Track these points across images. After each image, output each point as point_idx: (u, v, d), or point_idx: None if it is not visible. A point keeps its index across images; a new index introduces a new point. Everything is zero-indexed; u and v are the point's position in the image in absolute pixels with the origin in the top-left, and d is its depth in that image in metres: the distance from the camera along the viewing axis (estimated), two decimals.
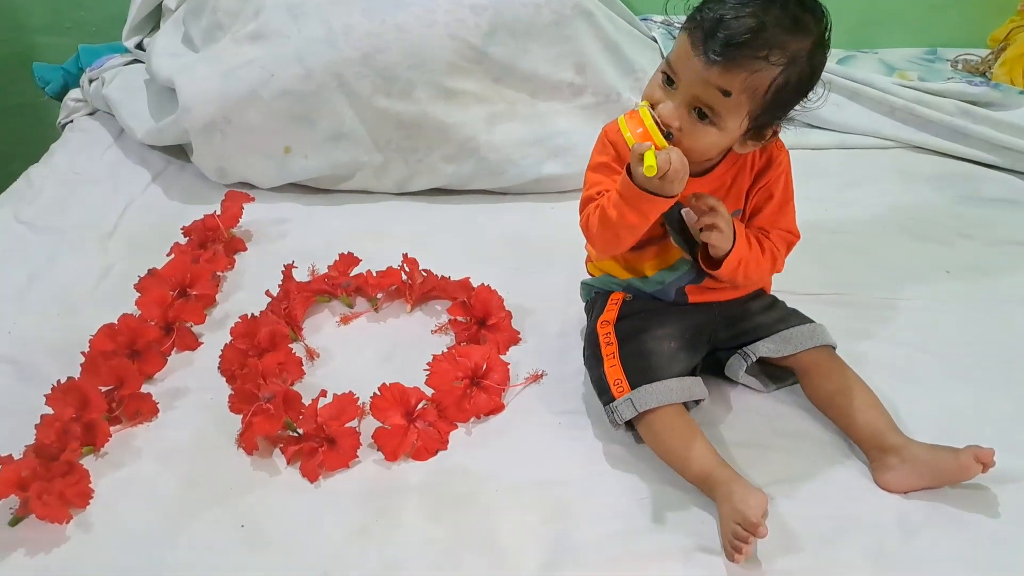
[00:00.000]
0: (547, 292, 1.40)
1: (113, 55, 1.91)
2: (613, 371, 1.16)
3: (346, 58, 1.56)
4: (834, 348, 1.20)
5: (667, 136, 1.04)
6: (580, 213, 1.19)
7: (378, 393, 1.17)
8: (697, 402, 1.17)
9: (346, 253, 1.41)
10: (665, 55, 1.09)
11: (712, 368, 1.24)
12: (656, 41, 1.76)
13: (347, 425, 1.14)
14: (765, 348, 1.19)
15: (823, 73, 1.06)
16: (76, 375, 1.21)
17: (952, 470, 1.05)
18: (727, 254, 1.12)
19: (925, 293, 1.40)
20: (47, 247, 1.53)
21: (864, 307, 1.37)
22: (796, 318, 1.22)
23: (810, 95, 1.07)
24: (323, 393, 1.17)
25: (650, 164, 1.00)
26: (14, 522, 1.06)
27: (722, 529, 1.02)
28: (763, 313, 1.23)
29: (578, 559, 1.01)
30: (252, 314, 1.31)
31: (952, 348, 1.29)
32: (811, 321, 1.21)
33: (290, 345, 1.27)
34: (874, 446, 1.10)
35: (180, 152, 1.77)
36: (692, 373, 1.18)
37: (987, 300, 1.38)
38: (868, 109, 1.78)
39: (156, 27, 1.92)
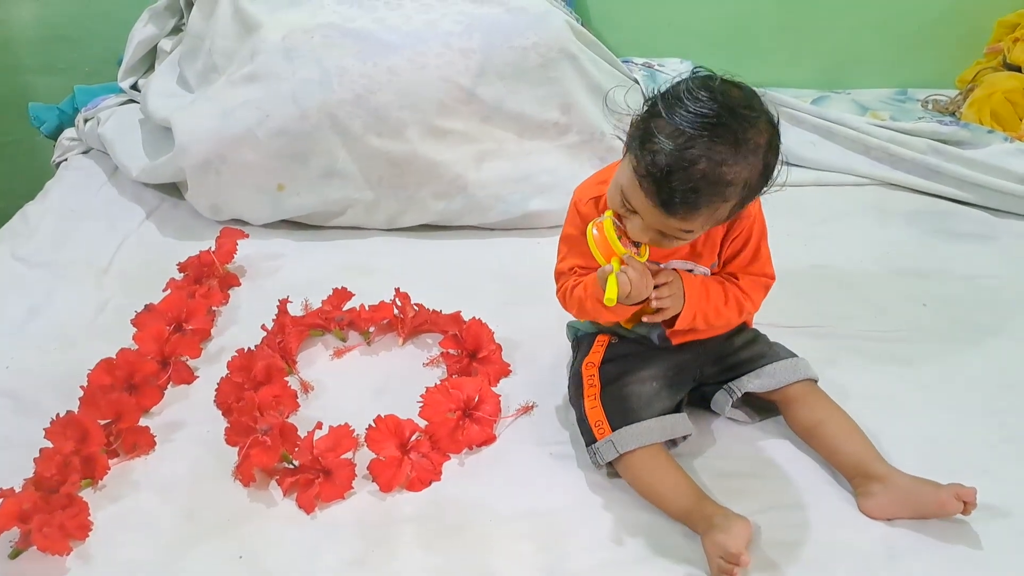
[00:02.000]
0: (536, 325, 1.43)
1: (108, 95, 1.94)
2: (594, 412, 1.19)
3: (340, 99, 1.60)
4: (816, 381, 1.24)
5: (636, 244, 1.10)
6: (556, 281, 1.24)
7: (373, 425, 1.20)
8: (684, 437, 1.20)
9: (340, 288, 1.43)
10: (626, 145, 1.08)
11: (696, 401, 1.27)
12: (638, 82, 1.82)
13: (342, 457, 1.17)
14: (750, 383, 1.22)
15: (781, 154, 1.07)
16: (75, 408, 1.23)
17: (933, 504, 1.08)
18: (678, 314, 1.16)
19: (903, 325, 1.44)
20: (44, 282, 1.55)
21: (844, 339, 1.41)
22: (779, 352, 1.26)
23: (771, 180, 1.08)
24: (319, 425, 1.19)
25: (610, 296, 1.05)
26: (14, 554, 1.07)
27: (709, 562, 1.04)
28: (746, 348, 1.26)
29: None
30: (248, 348, 1.34)
31: (931, 381, 1.33)
32: (794, 355, 1.25)
33: (285, 378, 1.30)
34: (858, 474, 1.13)
35: (174, 190, 1.80)
36: (677, 409, 1.21)
37: (963, 332, 1.42)
38: (843, 147, 1.84)
39: (151, 68, 1.96)
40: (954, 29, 2.09)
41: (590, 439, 1.18)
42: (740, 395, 1.23)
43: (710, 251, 1.20)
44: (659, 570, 1.05)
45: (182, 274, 1.54)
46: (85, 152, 1.94)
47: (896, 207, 1.75)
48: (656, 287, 1.12)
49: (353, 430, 1.18)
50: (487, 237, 1.71)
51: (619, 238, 1.09)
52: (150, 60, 1.97)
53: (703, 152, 0.99)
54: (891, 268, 1.59)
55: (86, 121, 1.91)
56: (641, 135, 1.05)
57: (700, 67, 1.10)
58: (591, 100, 1.69)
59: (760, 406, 1.26)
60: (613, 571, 1.05)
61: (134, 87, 1.94)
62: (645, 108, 1.07)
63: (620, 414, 1.17)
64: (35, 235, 1.68)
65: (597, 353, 1.26)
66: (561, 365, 1.38)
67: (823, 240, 1.67)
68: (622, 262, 1.07)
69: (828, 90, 2.13)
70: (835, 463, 1.17)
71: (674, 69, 1.92)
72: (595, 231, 1.09)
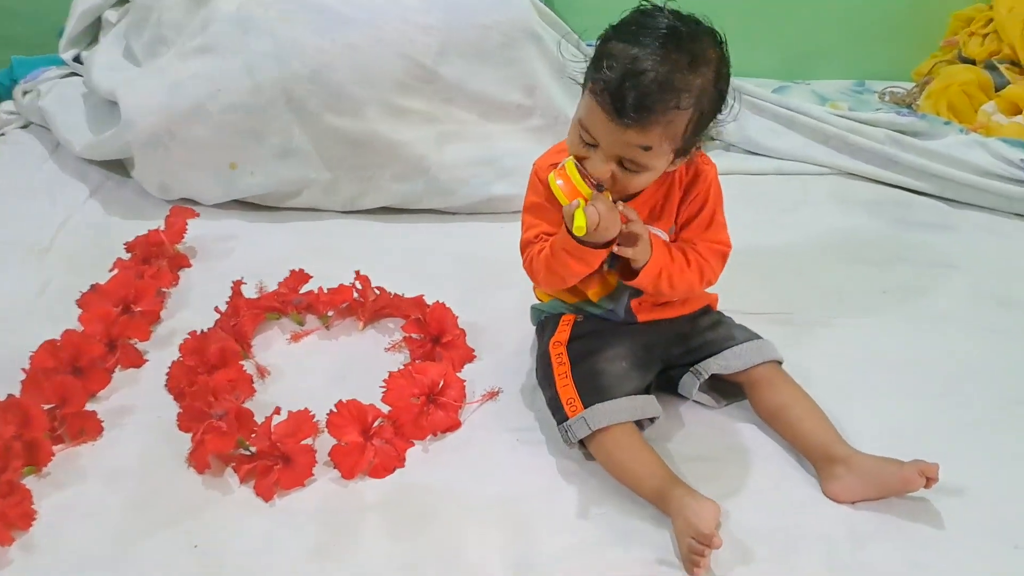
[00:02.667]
0: (500, 311, 1.41)
1: (48, 67, 1.86)
2: (566, 390, 1.17)
3: (295, 74, 1.55)
4: (780, 363, 1.23)
5: (598, 187, 1.07)
6: (522, 254, 1.22)
7: (335, 410, 1.15)
8: (652, 420, 1.18)
9: (297, 270, 1.39)
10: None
11: (664, 385, 1.25)
12: None
13: (303, 443, 1.12)
14: (716, 365, 1.21)
15: (731, 87, 1.09)
16: (16, 392, 1.17)
17: (897, 482, 1.08)
18: (643, 266, 1.14)
19: (864, 313, 1.45)
20: None
21: (806, 326, 1.41)
22: (743, 333, 1.25)
23: (723, 111, 1.10)
24: (277, 410, 1.15)
25: (579, 225, 1.03)
26: None
27: (679, 543, 1.03)
28: (711, 330, 1.25)
29: (540, 572, 1.01)
30: (201, 331, 1.29)
31: (892, 366, 1.33)
32: (758, 337, 1.24)
33: (241, 362, 1.24)
34: (821, 457, 1.13)
35: (119, 167, 1.73)
36: (645, 392, 1.20)
37: (923, 320, 1.43)
38: (804, 136, 1.84)
39: (94, 40, 1.88)
40: (911, 23, 2.11)
41: (561, 417, 1.15)
42: (707, 377, 1.22)
43: (668, 215, 1.20)
44: (629, 553, 1.03)
45: (129, 254, 1.48)
46: (24, 127, 1.85)
47: (856, 196, 1.76)
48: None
49: (313, 415, 1.14)
50: (449, 221, 1.67)
51: (583, 179, 1.07)
52: (94, 31, 1.88)
53: (654, 59, 1.02)
54: (852, 256, 1.59)
55: (25, 94, 1.82)
56: (596, 59, 1.07)
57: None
58: (555, 82, 1.66)
59: (725, 391, 1.25)
60: (583, 555, 1.03)
61: (76, 59, 1.85)
62: (598, 39, 1.09)
63: (592, 391, 1.15)
64: None
65: (563, 332, 1.24)
66: (526, 350, 1.35)
67: (785, 228, 1.67)
68: (587, 201, 1.05)
69: (789, 80, 2.14)
70: (799, 446, 1.17)
71: None
72: (559, 180, 1.07)
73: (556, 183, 1.07)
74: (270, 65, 1.55)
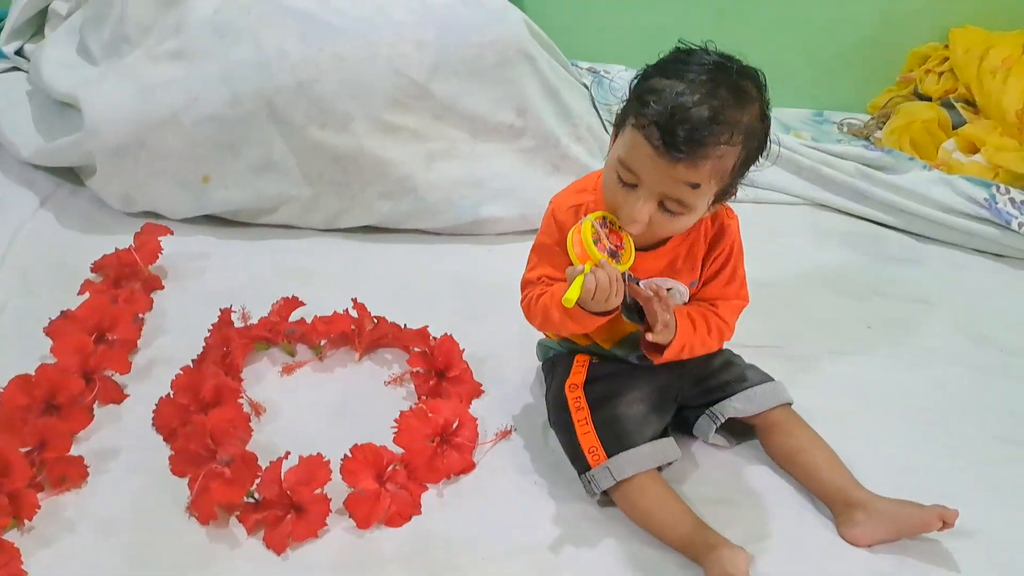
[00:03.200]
0: (500, 340, 1.36)
1: None
2: (587, 438, 1.13)
3: (278, 85, 1.46)
4: (791, 404, 1.23)
5: (612, 254, 1.05)
6: (522, 291, 1.18)
7: (349, 455, 1.09)
8: (669, 463, 1.17)
9: (289, 297, 1.30)
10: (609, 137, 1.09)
11: (675, 424, 1.23)
12: (587, 87, 1.76)
13: (316, 492, 1.05)
14: (732, 408, 1.20)
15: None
16: None
17: (916, 524, 1.09)
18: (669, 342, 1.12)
19: (852, 347, 1.46)
20: None
21: (799, 360, 1.41)
22: (755, 374, 1.24)
23: (763, 154, 1.09)
24: (286, 455, 1.07)
25: (568, 297, 0.99)
26: None
27: None
28: (724, 370, 1.24)
29: None
30: (192, 362, 1.19)
31: (885, 402, 1.35)
32: (770, 379, 1.24)
33: (239, 400, 1.16)
34: (839, 502, 1.13)
35: (70, 174, 1.59)
36: (664, 433, 1.18)
37: (909, 355, 1.46)
38: (778, 167, 1.85)
39: (38, 32, 1.73)
40: (868, 57, 2.16)
41: (583, 467, 1.12)
42: (723, 420, 1.20)
43: (691, 268, 1.18)
44: None
45: (96, 275, 1.36)
46: None
47: (830, 228, 1.79)
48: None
49: (328, 461, 1.07)
50: (433, 242, 1.61)
51: (595, 243, 1.03)
52: (38, 23, 1.73)
53: (703, 93, 0.99)
54: (832, 288, 1.61)
55: None
56: (638, 95, 1.04)
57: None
58: (547, 104, 1.62)
59: (737, 431, 1.24)
60: None
61: (19, 53, 1.70)
62: (635, 78, 1.06)
63: (614, 439, 1.12)
64: None
65: (579, 374, 1.20)
66: (531, 383, 1.32)
67: (764, 259, 1.65)
68: (596, 266, 1.02)
69: None
70: (815, 491, 1.17)
71: (620, 76, 1.88)
72: (575, 236, 1.04)
73: (571, 243, 1.04)
74: (251, 75, 1.45)
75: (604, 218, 1.06)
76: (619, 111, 1.08)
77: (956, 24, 2.08)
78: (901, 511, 1.10)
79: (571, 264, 1.04)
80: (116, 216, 1.53)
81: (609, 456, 1.10)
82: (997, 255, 1.75)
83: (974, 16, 2.08)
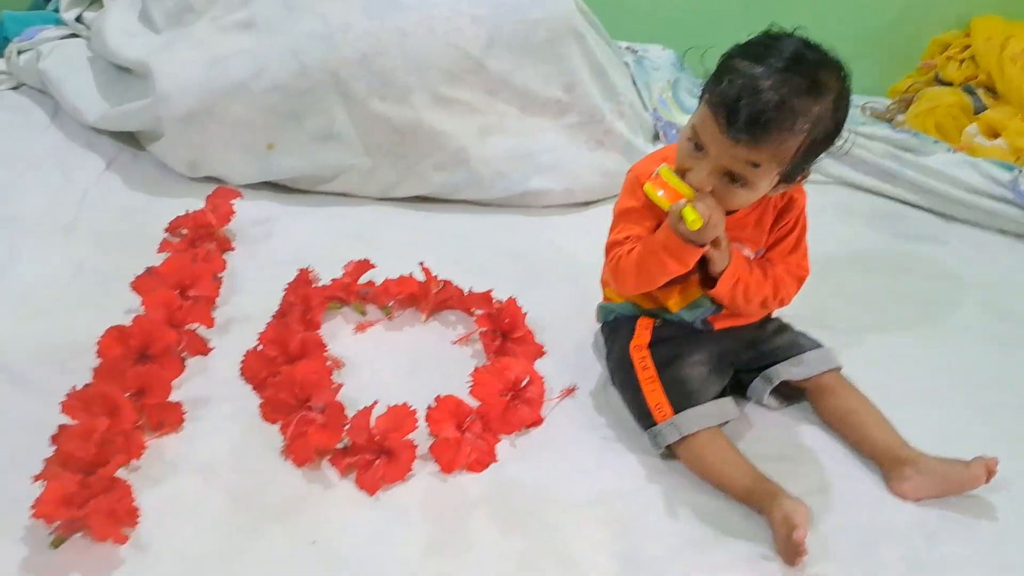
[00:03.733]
0: (554, 306, 1.42)
1: (46, 26, 1.73)
2: (654, 395, 1.20)
3: (343, 57, 1.51)
4: (840, 369, 1.30)
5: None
6: (607, 254, 1.23)
7: (433, 404, 1.15)
8: (726, 422, 1.23)
9: (361, 260, 1.36)
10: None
11: (728, 387, 1.28)
12: (628, 66, 1.82)
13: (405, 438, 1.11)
14: (786, 371, 1.27)
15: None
16: (75, 381, 1.10)
17: (963, 480, 1.16)
18: (722, 272, 1.18)
19: (885, 321, 1.53)
20: (3, 239, 1.37)
21: (841, 332, 1.46)
22: (807, 341, 1.31)
23: (836, 141, 1.14)
24: (375, 403, 1.13)
25: (693, 218, 1.06)
26: (57, 543, 0.95)
27: (776, 538, 1.08)
28: (778, 336, 1.31)
29: (653, 572, 1.04)
30: (263, 320, 1.25)
31: (920, 374, 1.41)
32: (820, 344, 1.30)
33: (325, 354, 1.21)
34: (889, 459, 1.20)
35: (130, 139, 1.64)
36: (723, 395, 1.24)
37: (939, 330, 1.53)
38: None
39: (96, 0, 1.76)
40: (890, 43, 2.23)
41: (649, 423, 1.18)
42: (777, 383, 1.27)
43: (758, 235, 1.24)
44: (731, 551, 1.07)
45: (168, 235, 1.41)
46: (14, 88, 1.72)
47: (857, 207, 1.85)
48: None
49: (415, 410, 1.13)
50: (482, 213, 1.66)
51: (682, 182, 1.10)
52: None
53: (775, 79, 1.04)
54: (864, 266, 1.68)
55: (19, 53, 1.69)
56: (718, 73, 1.10)
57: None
58: (593, 81, 1.68)
59: (786, 394, 1.30)
60: (689, 554, 1.07)
61: (78, 19, 1.73)
62: (723, 56, 1.12)
63: (680, 397, 1.18)
64: None
65: (643, 336, 1.26)
66: (587, 346, 1.38)
67: None
68: (691, 201, 1.08)
69: None
70: (865, 449, 1.23)
71: (656, 55, 1.94)
72: (658, 189, 1.10)
73: (655, 192, 1.10)
74: (317, 47, 1.50)
75: (682, 173, 1.12)
76: (704, 82, 1.14)
77: (977, 13, 2.17)
78: (948, 467, 1.17)
79: (656, 225, 1.11)
80: (179, 180, 1.58)
81: (675, 412, 1.17)
82: (1018, 235, 1.82)
83: (995, 6, 2.16)
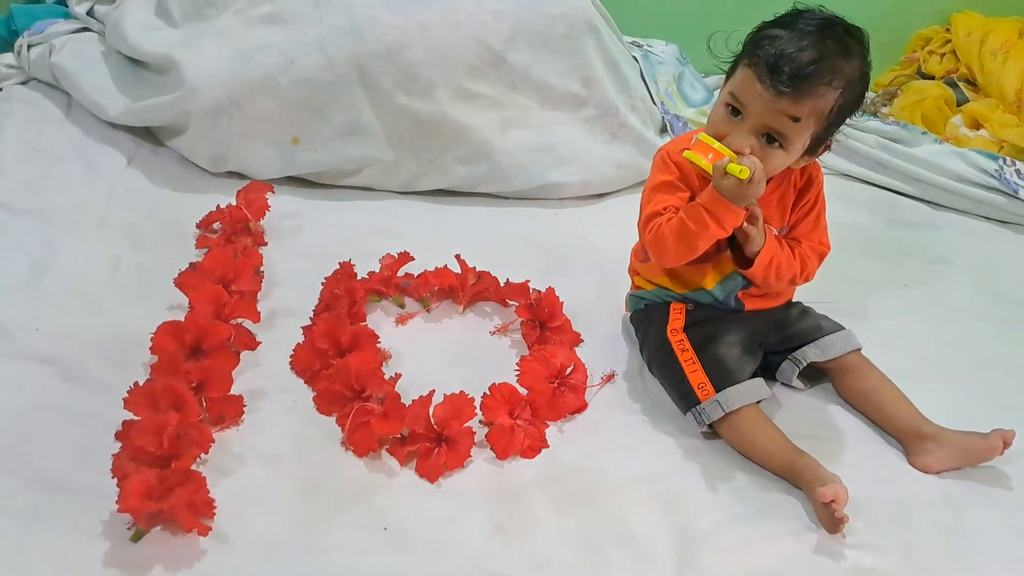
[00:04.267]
0: (584, 295, 1.45)
1: (56, 19, 1.71)
2: (696, 375, 1.25)
3: (370, 51, 1.53)
4: (860, 350, 1.36)
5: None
6: (644, 228, 1.27)
7: (488, 393, 1.18)
8: (761, 401, 1.28)
9: (402, 252, 1.38)
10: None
11: (757, 370, 1.34)
12: (637, 61, 1.87)
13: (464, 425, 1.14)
14: (812, 353, 1.33)
15: None
16: (129, 375, 1.11)
17: (981, 451, 1.23)
18: (758, 251, 1.24)
19: (892, 304, 1.61)
20: (38, 233, 1.38)
21: (850, 315, 1.52)
22: (829, 323, 1.37)
23: (857, 111, 1.22)
24: (432, 393, 1.16)
25: (741, 169, 1.11)
26: (137, 536, 0.97)
27: (817, 508, 1.13)
28: (802, 319, 1.37)
29: (708, 545, 1.09)
30: (306, 314, 1.28)
31: (928, 354, 1.48)
32: (841, 327, 1.37)
33: (378, 346, 1.24)
34: (911, 434, 1.27)
35: (148, 134, 1.63)
36: (754, 375, 1.29)
37: (941, 311, 1.61)
38: None
39: None
40: (874, 38, 2.27)
41: (693, 402, 1.23)
42: (805, 364, 1.33)
43: (780, 215, 1.31)
44: (777, 524, 1.13)
45: (201, 231, 1.42)
46: (23, 82, 1.69)
47: (854, 196, 1.93)
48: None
49: (472, 399, 1.16)
50: (502, 205, 1.69)
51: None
52: None
53: (811, 39, 1.13)
54: (865, 251, 1.75)
55: (30, 47, 1.67)
56: (753, 41, 1.18)
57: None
58: (609, 76, 1.72)
59: (810, 375, 1.36)
60: (739, 527, 1.12)
61: (90, 13, 1.72)
62: (753, 31, 1.20)
63: (720, 375, 1.24)
64: (3, 176, 1.46)
65: (678, 320, 1.31)
66: (618, 334, 1.42)
67: None
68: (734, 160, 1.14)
69: None
70: (887, 426, 1.30)
71: (661, 50, 1.99)
72: (698, 145, 1.16)
73: (697, 156, 1.15)
74: (344, 40, 1.52)
75: (720, 139, 1.17)
76: (730, 63, 1.22)
77: (956, 9, 2.26)
78: (968, 440, 1.24)
79: (691, 198, 1.18)
80: (201, 175, 1.58)
81: (717, 391, 1.22)
82: (1003, 221, 1.92)
83: (973, 2, 2.26)
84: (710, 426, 1.23)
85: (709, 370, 1.25)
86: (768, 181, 1.26)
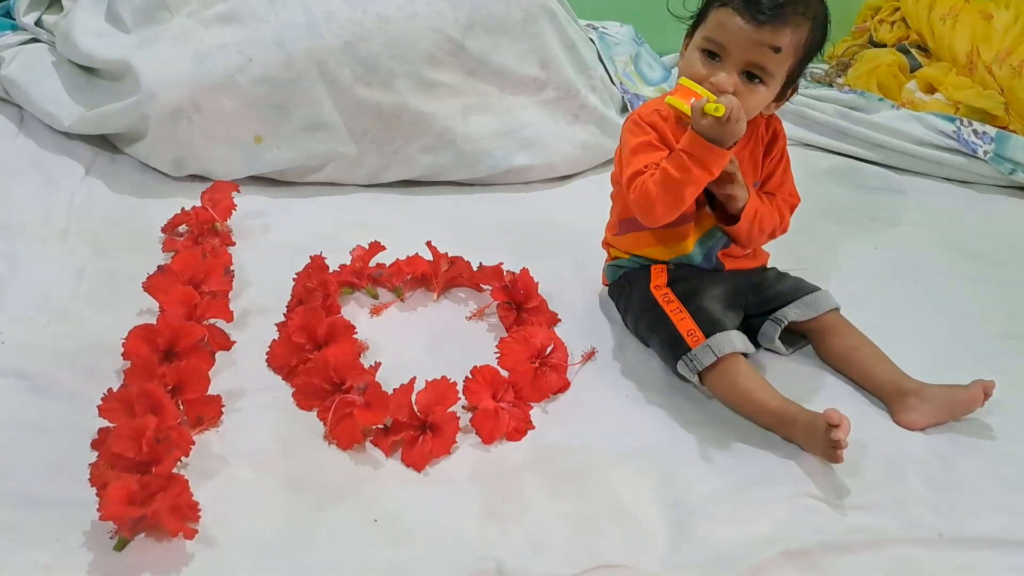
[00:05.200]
0: (558, 276, 1.44)
1: (3, 32, 1.66)
2: (684, 323, 1.24)
3: (328, 46, 1.51)
4: (839, 309, 1.37)
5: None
6: (628, 187, 1.25)
7: (470, 376, 1.17)
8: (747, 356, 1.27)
9: (373, 242, 1.36)
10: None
11: None
12: (594, 43, 1.86)
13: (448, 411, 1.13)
14: (793, 313, 1.33)
15: None
16: (102, 384, 1.07)
17: (964, 402, 1.25)
18: (743, 207, 1.26)
19: (864, 266, 1.63)
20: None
21: (824, 278, 1.54)
22: (806, 284, 1.37)
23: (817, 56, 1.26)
24: (413, 380, 1.14)
25: (717, 107, 1.11)
26: (121, 545, 0.94)
27: (814, 440, 1.14)
28: (779, 282, 1.38)
29: (703, 515, 1.08)
30: (279, 311, 1.26)
31: (903, 311, 1.51)
32: (819, 288, 1.37)
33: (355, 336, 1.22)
34: (893, 391, 1.27)
35: (104, 142, 1.60)
36: None
37: (912, 270, 1.63)
38: None
39: (54, 3, 1.71)
40: None
41: (683, 350, 1.22)
42: (786, 324, 1.33)
43: (753, 169, 1.32)
44: (771, 491, 1.12)
45: (166, 235, 1.39)
46: None
47: (816, 165, 1.95)
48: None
49: (455, 383, 1.14)
50: (469, 192, 1.68)
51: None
52: None
53: None
54: (834, 217, 1.77)
55: None
56: None
57: None
58: (567, 57, 1.72)
59: (791, 340, 1.37)
60: (733, 496, 1.11)
61: (38, 24, 1.68)
62: None
63: (709, 323, 1.24)
64: None
65: (660, 277, 1.32)
66: (596, 312, 1.42)
67: None
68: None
69: None
70: (869, 385, 1.31)
71: (616, 31, 1.99)
72: (679, 89, 1.17)
73: (679, 101, 1.15)
74: (302, 36, 1.50)
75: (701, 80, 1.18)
76: (690, 23, 1.25)
77: None
78: (949, 393, 1.25)
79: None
80: (162, 180, 1.55)
81: (707, 336, 1.21)
82: (964, 181, 1.96)
83: None
84: (700, 378, 1.22)
85: (696, 318, 1.24)
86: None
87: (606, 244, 1.41)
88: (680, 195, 1.19)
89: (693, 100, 1.15)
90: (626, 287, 1.35)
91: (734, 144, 1.17)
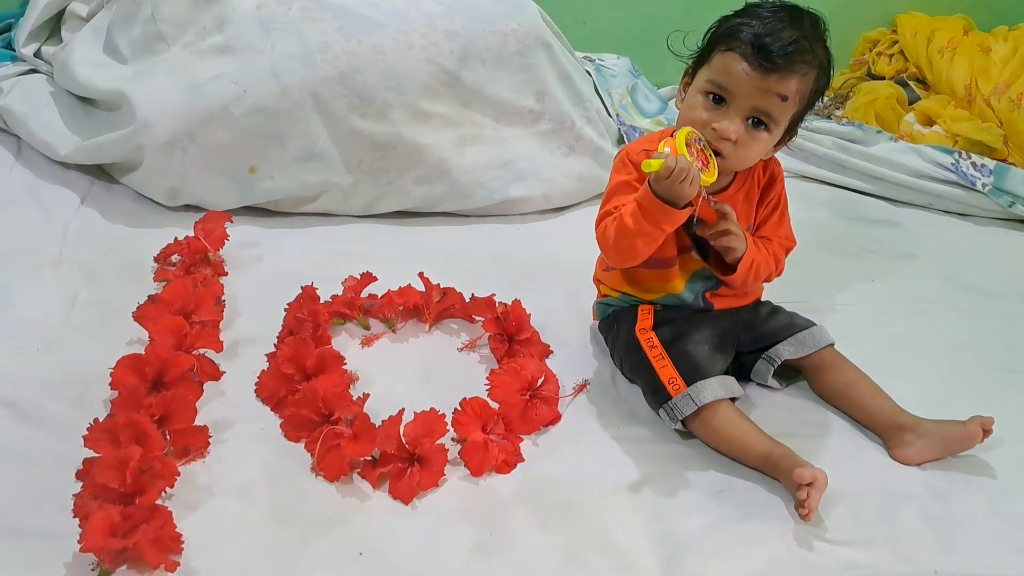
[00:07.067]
0: (551, 308, 1.44)
1: (3, 63, 1.68)
2: (665, 371, 1.23)
3: (323, 76, 1.51)
4: (834, 345, 1.36)
5: (717, 154, 1.16)
6: (596, 227, 1.25)
7: (459, 408, 1.16)
8: (735, 399, 1.27)
9: (365, 272, 1.36)
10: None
11: (731, 371, 1.33)
12: (590, 75, 1.87)
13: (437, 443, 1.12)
14: (786, 351, 1.32)
15: None
16: (89, 414, 1.07)
17: (961, 439, 1.23)
18: (741, 257, 1.24)
19: (861, 299, 1.61)
20: None
21: (822, 311, 1.54)
22: (800, 320, 1.36)
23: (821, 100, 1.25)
24: (401, 411, 1.13)
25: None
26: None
27: (793, 495, 1.12)
28: (772, 318, 1.36)
29: (694, 551, 1.07)
30: (269, 341, 1.25)
31: (900, 345, 1.49)
32: (813, 323, 1.36)
33: (344, 368, 1.21)
34: (890, 427, 1.26)
35: (100, 172, 1.60)
36: (726, 375, 1.28)
37: (910, 303, 1.61)
38: None
39: (53, 35, 1.73)
40: None
41: (664, 397, 1.21)
42: (780, 363, 1.32)
43: (747, 213, 1.30)
44: (761, 526, 1.11)
45: (159, 264, 1.39)
46: None
47: (814, 196, 1.94)
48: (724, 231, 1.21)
49: (444, 415, 1.14)
50: (463, 223, 1.68)
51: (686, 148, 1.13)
52: (53, 24, 1.73)
53: (789, 22, 1.15)
54: (831, 249, 1.76)
55: None
56: (726, 31, 1.17)
57: None
58: (562, 89, 1.72)
59: (784, 374, 1.36)
60: (724, 531, 1.10)
61: (37, 54, 1.69)
62: (712, 27, 1.21)
63: (690, 370, 1.22)
64: None
65: (646, 319, 1.30)
66: (588, 344, 1.41)
67: None
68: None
69: None
70: (865, 420, 1.29)
71: (613, 63, 2.00)
72: (667, 141, 1.12)
73: (662, 149, 1.12)
74: (297, 67, 1.50)
75: (695, 138, 1.15)
76: (690, 61, 1.23)
77: (900, 11, 2.30)
78: (947, 428, 1.24)
79: None
80: (157, 210, 1.55)
81: (688, 385, 1.20)
82: (963, 214, 1.95)
83: (916, 3, 2.30)
84: (684, 424, 1.22)
85: (679, 365, 1.23)
86: (735, 177, 1.27)
87: (596, 280, 1.40)
88: (632, 244, 1.18)
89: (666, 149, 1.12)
90: (614, 325, 1.35)
91: (687, 206, 1.14)
